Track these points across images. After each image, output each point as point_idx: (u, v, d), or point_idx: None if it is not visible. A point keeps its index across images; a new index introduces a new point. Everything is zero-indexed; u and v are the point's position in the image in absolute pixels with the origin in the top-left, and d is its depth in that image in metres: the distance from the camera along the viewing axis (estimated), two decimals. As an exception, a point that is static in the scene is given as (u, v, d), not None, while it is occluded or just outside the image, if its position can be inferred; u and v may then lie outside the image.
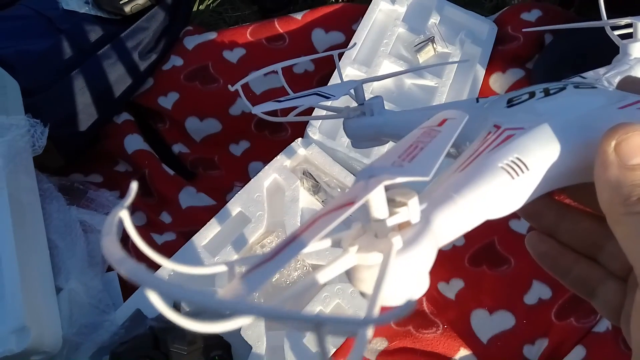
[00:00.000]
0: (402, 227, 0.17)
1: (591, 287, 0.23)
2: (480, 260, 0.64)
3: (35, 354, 0.49)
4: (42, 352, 0.50)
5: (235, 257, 0.59)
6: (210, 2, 0.91)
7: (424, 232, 0.16)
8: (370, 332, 0.13)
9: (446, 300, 0.62)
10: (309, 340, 0.56)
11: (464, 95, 0.72)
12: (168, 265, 0.15)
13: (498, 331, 0.60)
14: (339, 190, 0.63)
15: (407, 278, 0.16)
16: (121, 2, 0.73)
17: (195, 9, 0.87)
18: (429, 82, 0.71)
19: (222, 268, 0.16)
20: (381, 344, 0.59)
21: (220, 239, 0.60)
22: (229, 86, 0.37)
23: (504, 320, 0.61)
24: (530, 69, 0.75)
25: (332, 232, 0.15)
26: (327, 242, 0.17)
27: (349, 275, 0.16)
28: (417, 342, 0.59)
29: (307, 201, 0.64)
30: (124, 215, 0.14)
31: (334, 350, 0.56)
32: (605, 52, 0.62)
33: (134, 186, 0.15)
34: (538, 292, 0.62)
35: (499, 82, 0.75)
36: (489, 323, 0.61)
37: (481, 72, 0.73)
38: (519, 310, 0.61)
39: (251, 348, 0.54)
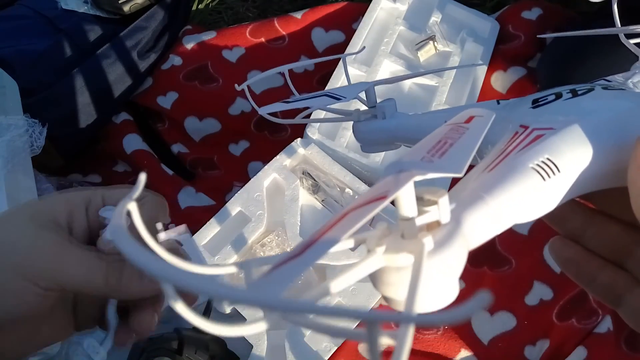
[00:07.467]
0: (429, 228, 0.16)
1: (617, 294, 0.22)
2: (481, 260, 0.63)
3: (33, 355, 0.49)
4: (41, 352, 0.49)
5: (234, 257, 0.59)
6: (209, 1, 0.90)
7: (456, 233, 0.15)
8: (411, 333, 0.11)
9: (447, 301, 0.61)
10: (310, 339, 0.55)
11: (464, 94, 0.71)
12: (174, 263, 0.14)
13: (499, 332, 0.60)
14: (338, 189, 0.63)
15: (439, 282, 0.15)
16: (120, 2, 0.73)
17: (194, 8, 0.87)
18: (429, 81, 0.71)
19: (232, 269, 0.15)
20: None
21: (220, 238, 0.60)
22: (236, 85, 0.35)
23: (505, 321, 0.60)
24: (531, 68, 0.75)
25: (355, 232, 0.14)
26: (350, 243, 0.16)
27: (374, 279, 0.15)
28: (417, 342, 0.59)
29: (307, 200, 0.64)
30: (132, 207, 0.14)
31: (335, 348, 0.56)
32: (606, 49, 0.62)
33: (142, 178, 0.15)
34: (539, 292, 0.61)
35: (500, 80, 0.75)
36: (490, 324, 0.60)
37: (482, 71, 0.73)
38: (520, 311, 0.61)
39: (252, 347, 0.54)
